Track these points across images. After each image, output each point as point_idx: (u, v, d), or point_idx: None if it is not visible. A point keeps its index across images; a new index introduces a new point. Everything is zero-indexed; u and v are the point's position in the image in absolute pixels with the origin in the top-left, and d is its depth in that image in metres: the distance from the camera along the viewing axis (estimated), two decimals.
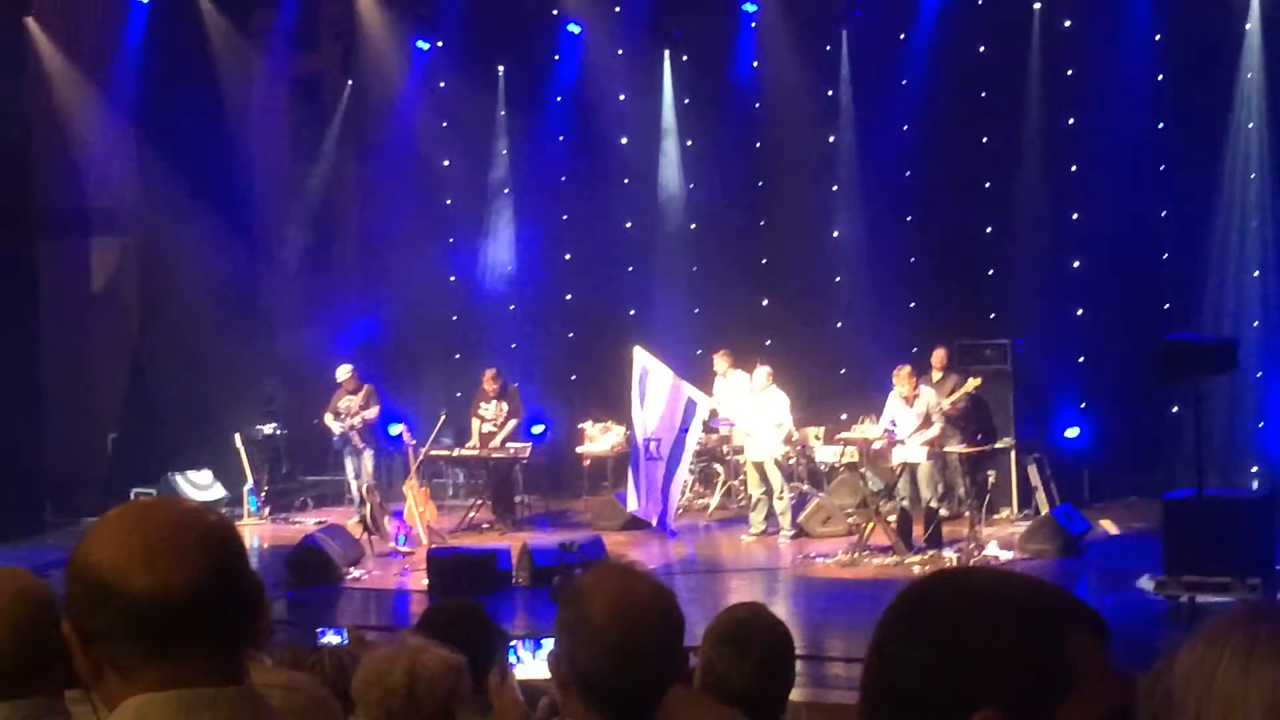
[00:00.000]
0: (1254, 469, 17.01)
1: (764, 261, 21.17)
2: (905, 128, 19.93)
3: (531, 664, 5.79)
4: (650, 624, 2.89)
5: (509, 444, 18.89)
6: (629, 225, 22.01)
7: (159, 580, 2.10)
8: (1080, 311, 19.17)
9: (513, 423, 18.95)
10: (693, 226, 21.58)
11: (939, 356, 17.32)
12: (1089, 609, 1.85)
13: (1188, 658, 1.86)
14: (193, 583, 2.12)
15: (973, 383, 17.13)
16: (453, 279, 22.78)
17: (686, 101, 21.51)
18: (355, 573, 16.41)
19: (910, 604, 1.88)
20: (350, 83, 22.90)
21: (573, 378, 22.08)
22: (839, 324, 20.30)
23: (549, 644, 5.96)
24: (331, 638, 7.66)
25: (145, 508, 2.25)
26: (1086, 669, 1.79)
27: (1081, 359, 19.05)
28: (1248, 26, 17.78)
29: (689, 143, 21.60)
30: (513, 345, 21.72)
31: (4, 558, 15.98)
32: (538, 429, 20.20)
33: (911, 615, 1.86)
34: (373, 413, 18.74)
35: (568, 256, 22.46)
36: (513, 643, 5.82)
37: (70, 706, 3.43)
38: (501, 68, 22.42)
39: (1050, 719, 1.76)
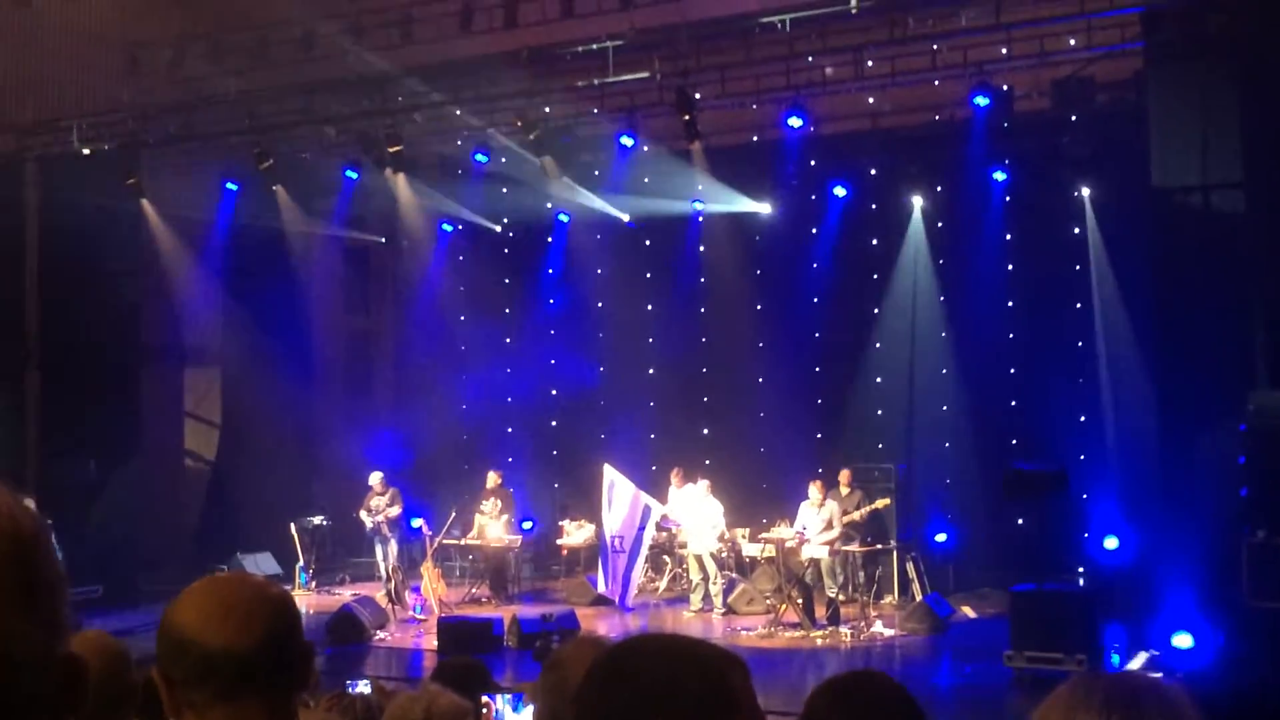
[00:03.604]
0: (1080, 569, 16.95)
1: (705, 400, 21.18)
2: (815, 300, 20.07)
3: (511, 716, 5.64)
4: None
5: (503, 536, 18.77)
6: (602, 369, 22.02)
7: (228, 638, 2.07)
8: (947, 444, 19.19)
9: (505, 518, 18.86)
10: (650, 372, 21.58)
11: (845, 476, 17.30)
12: (738, 656, 1.93)
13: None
14: (255, 642, 2.08)
15: (882, 502, 17.09)
16: (464, 407, 22.72)
17: (649, 275, 21.61)
18: (381, 634, 16.21)
19: (613, 658, 1.93)
20: (385, 240, 22.94)
21: (555, 485, 21.98)
22: (762, 449, 20.24)
23: (525, 699, 5.84)
24: (362, 687, 7.51)
25: (221, 580, 2.23)
26: (742, 697, 1.86)
27: (948, 480, 19.04)
28: (1077, 231, 17.99)
29: (649, 306, 21.67)
30: (509, 459, 21.59)
31: (105, 619, 15.74)
32: (527, 525, 20.08)
33: (614, 666, 1.92)
34: (396, 510, 18.60)
35: (554, 392, 22.43)
36: (490, 697, 5.66)
37: None
38: (507, 248, 22.51)
39: None
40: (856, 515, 16.60)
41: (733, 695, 1.88)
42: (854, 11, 15.62)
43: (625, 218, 21.01)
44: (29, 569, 1.09)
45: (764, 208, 20.15)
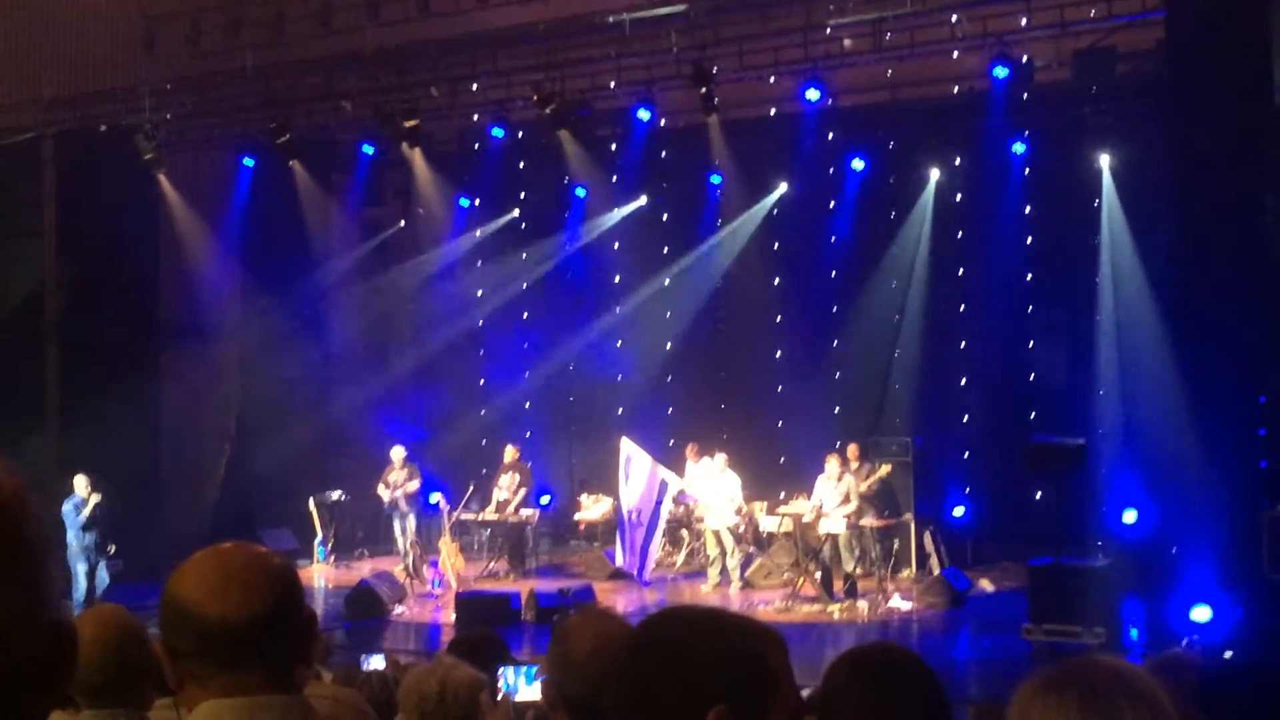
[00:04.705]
0: (1099, 543, 16.87)
1: (722, 374, 21.16)
2: (833, 273, 20.01)
3: (525, 689, 5.66)
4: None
5: (521, 510, 18.80)
6: (619, 344, 22.00)
7: (228, 610, 2.06)
8: (966, 418, 19.15)
9: (523, 492, 18.89)
10: (668, 346, 21.54)
11: (853, 450, 17.26)
12: (776, 632, 1.95)
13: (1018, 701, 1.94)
14: (255, 613, 2.07)
15: (884, 469, 17.11)
16: (482, 382, 22.75)
17: (666, 250, 21.57)
18: (399, 609, 16.27)
19: (651, 631, 1.94)
20: (404, 223, 23.00)
21: (573, 460, 22.01)
22: (780, 423, 20.22)
23: (535, 671, 5.86)
24: (375, 662, 7.53)
25: (222, 551, 2.21)
26: (781, 675, 1.88)
27: (967, 454, 18.99)
28: (1096, 203, 17.87)
29: (667, 281, 21.63)
30: (528, 434, 21.61)
31: (127, 594, 15.85)
32: (545, 499, 20.12)
33: (652, 639, 1.93)
34: (414, 485, 18.65)
35: (571, 367, 22.43)
36: (506, 669, 5.69)
37: (161, 712, 3.39)
38: (524, 223, 22.49)
39: (763, 712, 1.85)
40: (863, 487, 16.57)
41: (771, 670, 1.87)
42: None
43: (643, 200, 21.03)
44: (11, 535, 1.07)
45: (782, 181, 20.07)
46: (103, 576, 16.33)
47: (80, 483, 16.26)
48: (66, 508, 16.08)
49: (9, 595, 1.04)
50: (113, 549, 16.61)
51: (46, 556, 1.13)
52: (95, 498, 16.23)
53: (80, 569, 16.15)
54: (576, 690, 2.80)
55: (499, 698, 5.08)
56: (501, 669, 5.29)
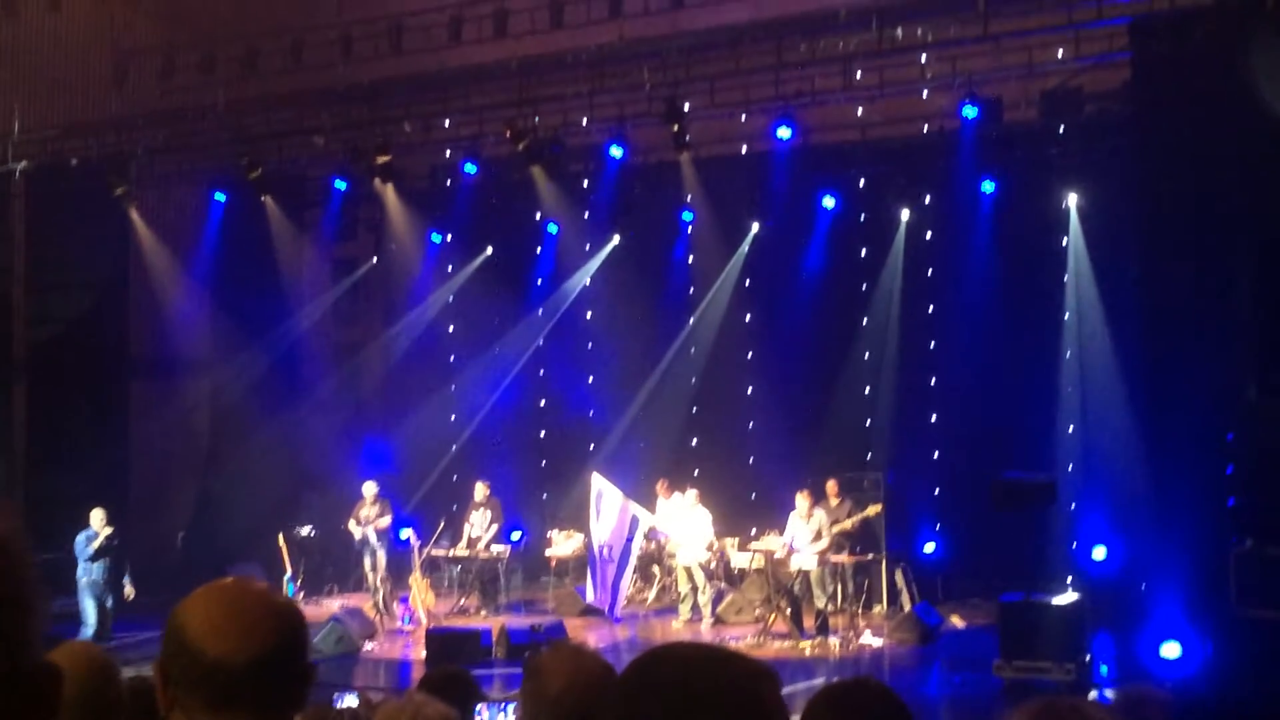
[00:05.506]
0: (1069, 579, 16.93)
1: (694, 410, 21.15)
2: (804, 310, 20.05)
3: None
4: (596, 694, 2.84)
5: (492, 546, 18.74)
6: (591, 379, 22.00)
7: (227, 649, 2.06)
8: (936, 454, 19.18)
9: (494, 528, 18.82)
10: (639, 382, 21.54)
11: (832, 486, 17.29)
12: (769, 667, 1.93)
13: None
14: (250, 657, 2.07)
15: (874, 509, 17.09)
16: (453, 418, 22.68)
17: (638, 286, 21.56)
18: (369, 645, 16.17)
19: (643, 666, 1.92)
20: (376, 260, 22.98)
21: (544, 496, 21.94)
22: (751, 459, 20.22)
23: (510, 708, 5.83)
24: (348, 700, 7.48)
25: (231, 587, 2.21)
26: (776, 710, 1.87)
27: (937, 490, 19.03)
28: (1065, 241, 18.01)
29: (638, 317, 21.64)
30: (498, 470, 21.56)
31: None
32: (515, 535, 20.02)
33: (644, 675, 1.90)
34: (385, 521, 18.56)
35: (542, 402, 22.41)
36: (478, 706, 5.67)
37: None
38: (496, 260, 22.47)
39: None
40: (848, 524, 16.58)
41: (764, 706, 1.85)
42: (842, 21, 15.66)
43: (616, 239, 21.08)
44: None
45: (754, 221, 20.14)
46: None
47: (96, 516, 16.20)
48: (79, 539, 16.03)
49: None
50: (129, 592, 16.34)
51: (28, 604, 1.12)
52: (106, 531, 16.13)
53: (89, 605, 16.00)
54: None
55: None
56: (478, 707, 5.27)
